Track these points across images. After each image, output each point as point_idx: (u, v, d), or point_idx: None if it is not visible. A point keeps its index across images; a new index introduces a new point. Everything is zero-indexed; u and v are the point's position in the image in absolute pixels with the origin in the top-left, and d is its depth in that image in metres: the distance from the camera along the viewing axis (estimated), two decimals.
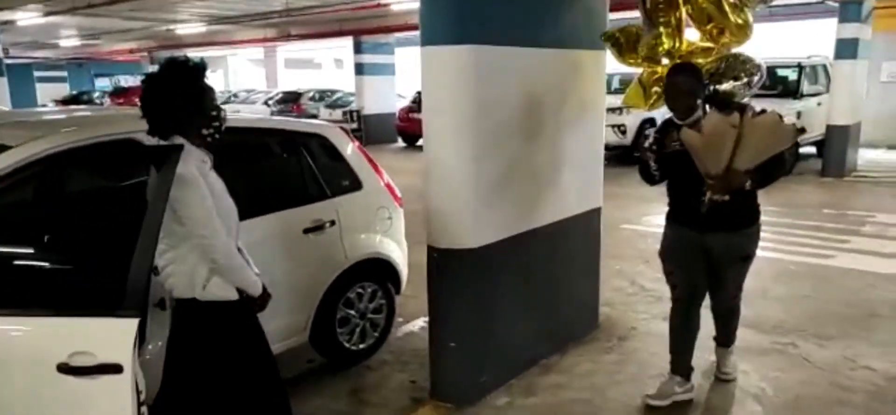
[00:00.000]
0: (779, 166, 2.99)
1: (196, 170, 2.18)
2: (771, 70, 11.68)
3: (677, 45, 3.42)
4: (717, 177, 2.85)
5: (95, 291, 2.03)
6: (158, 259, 2.20)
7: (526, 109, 3.35)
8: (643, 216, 7.66)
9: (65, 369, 1.83)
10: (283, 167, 3.67)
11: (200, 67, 2.24)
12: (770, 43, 17.94)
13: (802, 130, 3.26)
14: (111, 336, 1.83)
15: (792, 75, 11.45)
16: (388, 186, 4.02)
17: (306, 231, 3.46)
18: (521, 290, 3.54)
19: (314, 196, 3.58)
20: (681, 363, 3.36)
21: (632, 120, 11.60)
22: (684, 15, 3.41)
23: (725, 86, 3.31)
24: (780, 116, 2.94)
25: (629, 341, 4.10)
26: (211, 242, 2.17)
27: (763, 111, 2.94)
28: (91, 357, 1.83)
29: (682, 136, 2.92)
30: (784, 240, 6.48)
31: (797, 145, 8.26)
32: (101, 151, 2.70)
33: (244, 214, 3.23)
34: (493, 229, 3.24)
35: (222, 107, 2.36)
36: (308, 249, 3.46)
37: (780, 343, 4.03)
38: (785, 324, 4.33)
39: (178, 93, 2.19)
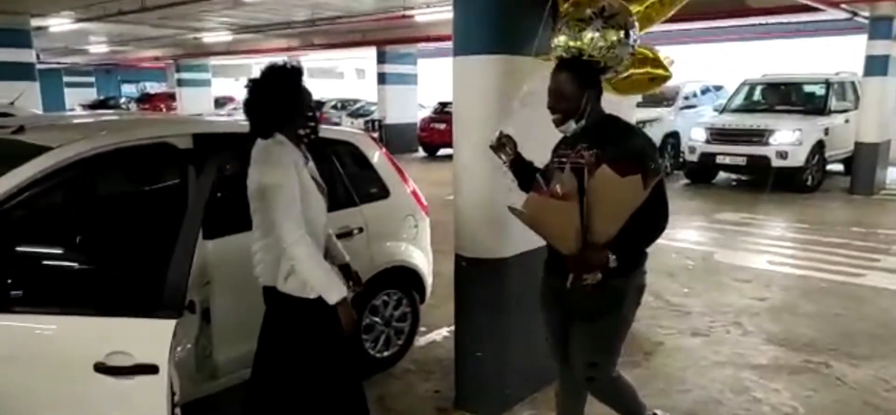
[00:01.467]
0: (651, 230, 2.29)
1: (293, 169, 2.28)
2: (798, 86, 11.79)
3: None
4: (572, 258, 2.26)
5: (134, 292, 2.05)
6: (253, 243, 2.36)
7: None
8: (666, 230, 7.57)
9: (102, 368, 1.85)
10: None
11: (299, 71, 2.37)
12: (797, 59, 17.82)
13: (657, 172, 2.26)
14: (148, 337, 1.85)
15: (819, 91, 11.32)
16: (414, 194, 4.03)
17: (337, 237, 3.46)
18: (535, 309, 3.49)
19: (342, 203, 3.58)
20: None
21: (654, 133, 11.53)
22: None
23: (587, 38, 2.35)
24: (618, 160, 2.17)
25: (656, 356, 4.05)
26: (290, 249, 2.24)
27: (596, 156, 2.25)
28: (128, 357, 1.85)
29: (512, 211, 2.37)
30: (813, 257, 6.38)
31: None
32: (137, 154, 2.73)
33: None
34: (523, 240, 3.21)
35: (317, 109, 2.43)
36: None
37: (812, 362, 3.95)
38: (817, 343, 4.25)
39: (279, 94, 2.32)
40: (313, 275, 2.29)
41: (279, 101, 2.32)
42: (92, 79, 33.25)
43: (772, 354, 4.04)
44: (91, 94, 31.60)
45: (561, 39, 2.42)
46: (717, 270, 5.95)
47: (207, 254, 2.86)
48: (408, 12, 12.82)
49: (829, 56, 16.95)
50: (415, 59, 18.23)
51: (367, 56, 22.75)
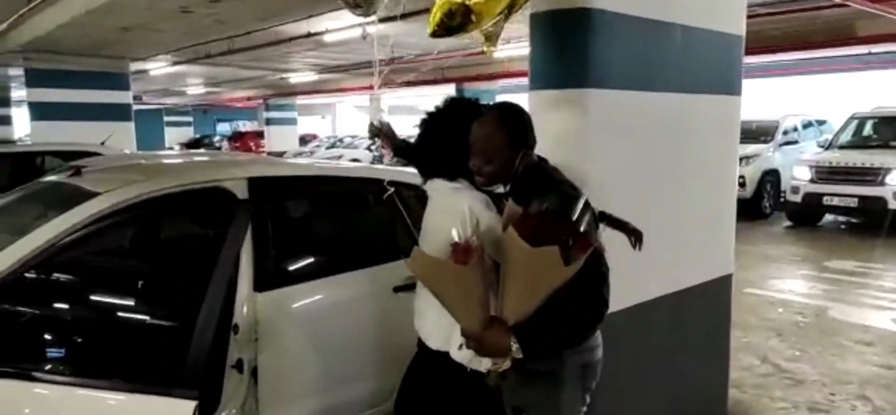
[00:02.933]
0: (570, 320, 1.79)
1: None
2: (885, 120, 10.65)
3: None
4: (473, 336, 1.78)
5: (151, 359, 1.82)
6: (421, 298, 2.10)
7: (644, 158, 2.93)
8: (769, 279, 6.86)
9: None
10: (376, 219, 3.43)
11: (484, 106, 2.13)
12: (877, 91, 16.26)
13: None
14: None
15: None
16: None
17: (397, 289, 3.18)
18: (637, 371, 3.06)
19: (406, 251, 3.30)
20: None
21: (751, 171, 10.74)
22: None
23: None
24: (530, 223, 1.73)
25: None
26: None
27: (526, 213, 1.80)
28: None
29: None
30: None
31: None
32: (187, 200, 2.55)
33: (331, 269, 3.05)
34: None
35: None
36: (397, 309, 3.16)
37: None
38: None
39: (464, 132, 2.00)
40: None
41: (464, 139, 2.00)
42: (190, 118, 35.28)
43: None
44: (189, 133, 33.48)
45: None
46: (833, 330, 5.22)
47: (257, 308, 2.63)
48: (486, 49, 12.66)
49: None
50: (494, 96, 18.05)
51: (446, 93, 22.85)
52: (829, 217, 10.39)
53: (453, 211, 2.06)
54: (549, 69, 2.74)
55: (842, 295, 6.28)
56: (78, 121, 10.85)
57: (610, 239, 2.61)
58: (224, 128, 36.19)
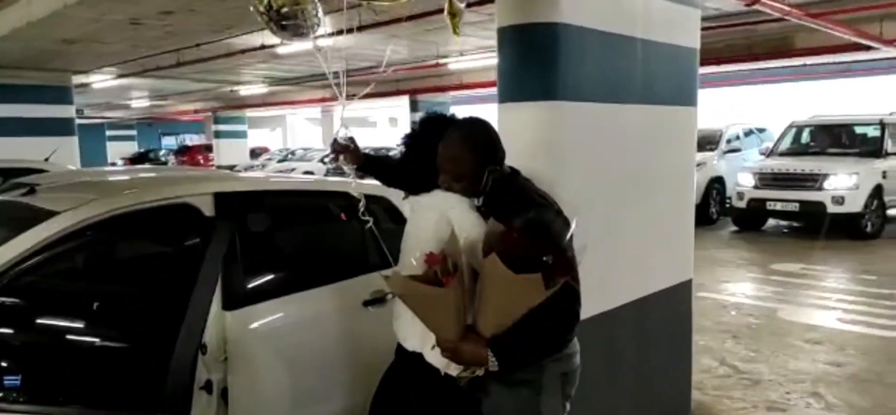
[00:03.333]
0: (546, 338, 1.83)
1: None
2: (850, 128, 11.24)
3: None
4: (448, 347, 1.82)
5: (129, 383, 1.75)
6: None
7: (610, 168, 3.00)
8: (720, 283, 7.10)
9: None
10: (343, 233, 3.40)
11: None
12: (839, 100, 17.16)
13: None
14: None
15: (874, 133, 10.77)
16: None
17: (366, 303, 3.15)
18: (604, 376, 3.11)
19: (375, 265, 3.27)
20: None
21: (699, 178, 11.10)
22: None
23: None
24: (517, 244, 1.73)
25: None
26: None
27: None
28: None
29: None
30: (889, 314, 5.80)
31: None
32: (147, 218, 2.47)
33: (300, 284, 2.99)
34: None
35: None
36: (368, 324, 3.13)
37: None
38: None
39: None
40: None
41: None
42: (134, 132, 34.20)
43: None
44: (133, 147, 32.44)
45: None
46: (784, 330, 5.43)
47: (226, 327, 2.56)
48: (441, 61, 12.75)
49: (877, 96, 16.32)
50: (448, 107, 18.13)
51: (399, 105, 22.82)
52: (771, 222, 10.82)
53: (429, 222, 2.05)
54: (517, 82, 2.78)
55: (789, 296, 6.55)
56: (19, 136, 10.37)
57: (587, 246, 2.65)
58: (170, 142, 35.23)
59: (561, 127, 2.72)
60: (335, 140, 2.48)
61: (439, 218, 2.00)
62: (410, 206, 2.25)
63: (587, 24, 2.76)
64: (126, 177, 3.61)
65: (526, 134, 2.74)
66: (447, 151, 1.99)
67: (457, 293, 1.75)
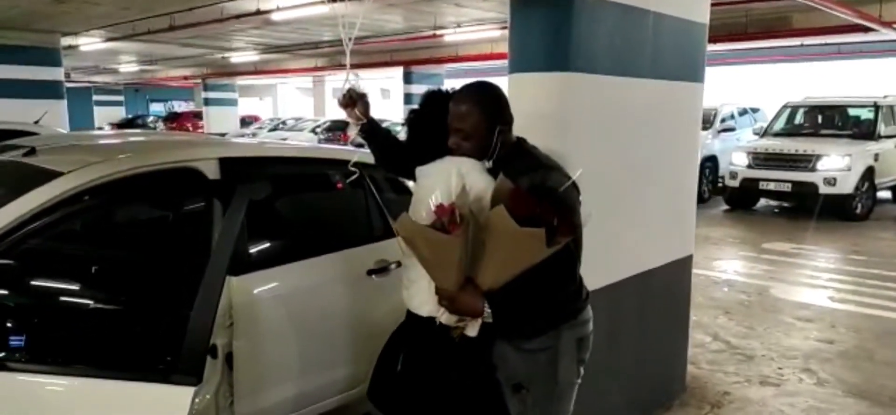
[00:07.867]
0: (544, 299, 1.87)
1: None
2: (844, 109, 11.30)
3: None
4: (447, 295, 1.85)
5: (148, 347, 1.74)
6: (411, 268, 2.05)
7: (618, 142, 2.99)
8: (712, 260, 7.16)
9: None
10: (349, 201, 3.38)
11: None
12: (835, 81, 17.24)
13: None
14: (160, 409, 1.52)
15: (867, 115, 10.83)
16: None
17: (370, 272, 3.15)
18: (604, 350, 3.12)
19: (379, 234, 3.27)
20: None
21: None
22: None
23: None
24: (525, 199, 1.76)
25: (723, 408, 3.63)
26: None
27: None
28: None
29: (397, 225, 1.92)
30: (879, 294, 5.89)
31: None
32: (157, 181, 2.44)
33: (305, 252, 2.98)
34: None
35: None
36: (372, 293, 3.14)
37: None
38: None
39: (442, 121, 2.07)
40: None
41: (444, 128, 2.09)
42: (121, 97, 33.70)
43: (855, 409, 3.61)
44: (120, 113, 31.99)
45: None
46: (776, 307, 5.50)
47: (232, 292, 2.55)
48: (438, 32, 12.62)
49: (869, 79, 16.40)
50: (442, 79, 18.02)
51: (392, 76, 22.65)
52: (763, 201, 10.91)
53: (440, 176, 2.04)
54: (529, 52, 2.75)
55: (781, 275, 6.62)
56: (5, 98, 10.17)
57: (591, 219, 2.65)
58: (158, 108, 34.76)
59: (572, 98, 2.70)
60: (348, 92, 2.38)
61: (451, 172, 1.99)
62: (418, 172, 2.22)
63: None
64: (129, 141, 3.56)
65: (536, 104, 2.72)
66: (457, 110, 2.01)
67: (461, 242, 1.78)
